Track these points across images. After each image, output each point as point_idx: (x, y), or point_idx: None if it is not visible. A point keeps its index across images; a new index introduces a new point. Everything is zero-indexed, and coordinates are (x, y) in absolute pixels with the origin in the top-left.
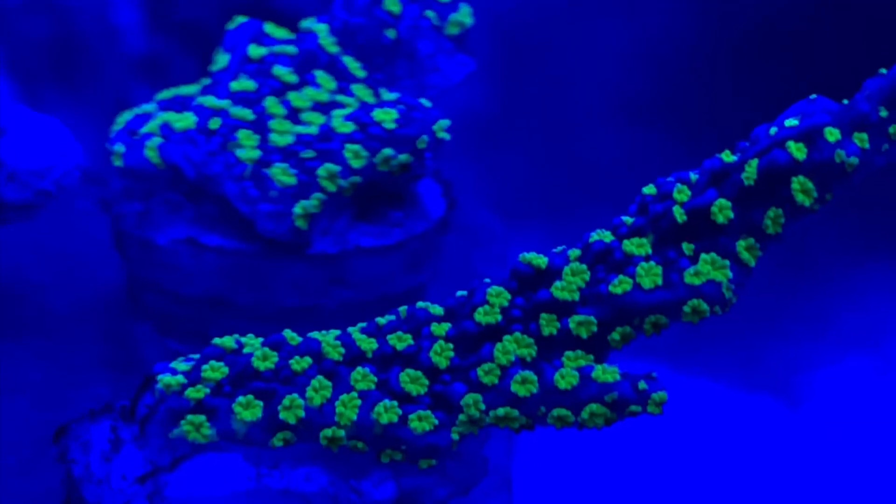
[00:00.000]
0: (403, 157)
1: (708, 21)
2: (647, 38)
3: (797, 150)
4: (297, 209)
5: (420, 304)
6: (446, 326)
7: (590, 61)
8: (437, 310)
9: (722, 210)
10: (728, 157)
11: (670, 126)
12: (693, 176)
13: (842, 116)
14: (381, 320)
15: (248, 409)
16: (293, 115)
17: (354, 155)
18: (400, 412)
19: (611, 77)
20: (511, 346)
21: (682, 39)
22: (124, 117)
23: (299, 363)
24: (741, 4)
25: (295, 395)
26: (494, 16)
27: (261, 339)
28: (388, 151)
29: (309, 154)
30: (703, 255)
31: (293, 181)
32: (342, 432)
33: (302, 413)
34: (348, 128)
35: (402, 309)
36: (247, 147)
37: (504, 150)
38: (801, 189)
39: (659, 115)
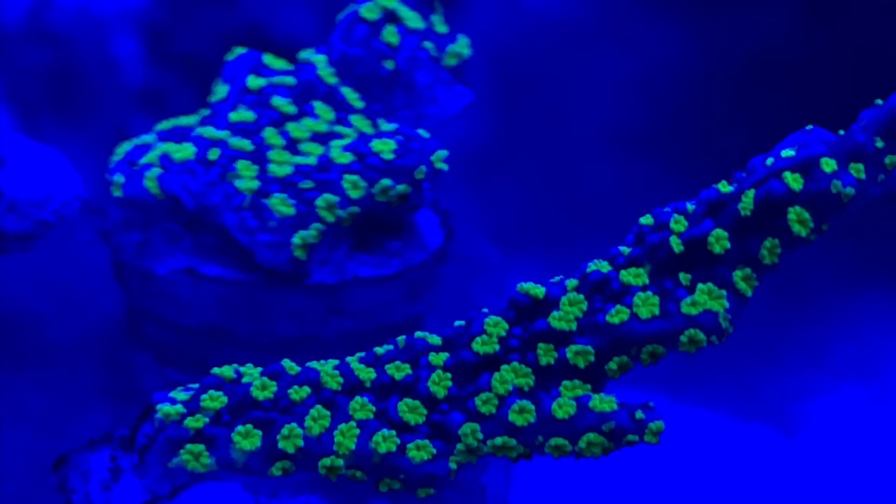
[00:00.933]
0: (401, 188)
1: (704, 52)
2: (644, 70)
3: (793, 181)
4: (296, 239)
5: (418, 333)
6: (444, 356)
7: (587, 93)
8: (435, 339)
9: (718, 240)
10: (725, 187)
11: (667, 157)
12: (690, 206)
13: (838, 147)
14: (380, 350)
15: (247, 439)
16: (292, 145)
17: (353, 185)
18: (398, 441)
19: (608, 108)
20: (509, 376)
21: (679, 71)
22: (123, 148)
23: (298, 393)
24: (737, 36)
25: (294, 425)
26: (492, 47)
27: (260, 369)
28: (386, 182)
29: (307, 184)
30: (700, 286)
31: (292, 211)
32: (341, 461)
33: (301, 442)
34: (346, 158)
35: (401, 339)
36: (245, 177)
37: (502, 181)
38: (798, 219)
39: (656, 145)
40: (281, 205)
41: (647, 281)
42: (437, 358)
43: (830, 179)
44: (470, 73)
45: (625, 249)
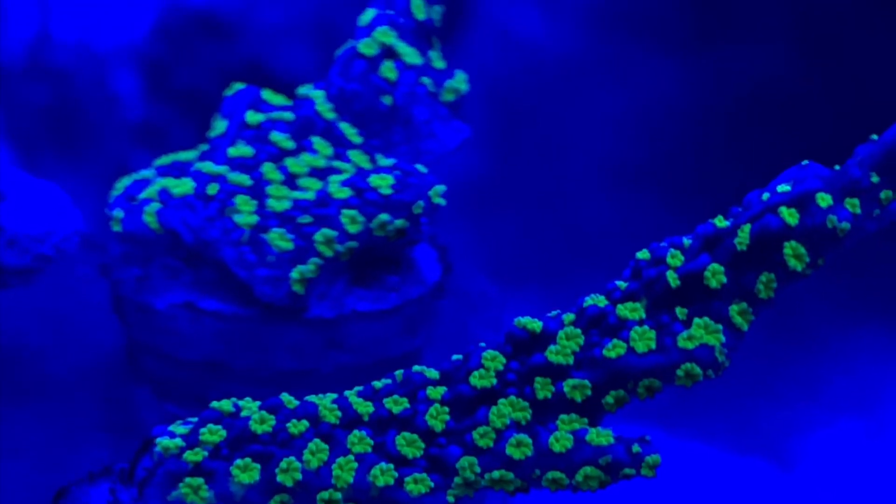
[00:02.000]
0: (399, 223)
1: (700, 88)
2: (641, 105)
3: (789, 216)
4: (295, 274)
5: (416, 368)
6: (442, 390)
7: (584, 128)
8: (432, 374)
9: (715, 275)
10: (721, 222)
11: (663, 191)
12: (686, 241)
13: (833, 182)
14: (378, 384)
15: (245, 472)
16: (290, 180)
17: (351, 220)
18: (396, 475)
19: (605, 143)
20: (506, 410)
21: (675, 106)
22: (123, 183)
23: (296, 426)
24: (733, 72)
25: (292, 458)
26: (490, 82)
27: (258, 403)
28: (384, 217)
29: (306, 219)
30: (697, 320)
31: (290, 246)
32: (339, 495)
33: (299, 476)
34: (345, 193)
35: (399, 373)
36: (244, 212)
37: (499, 216)
38: (794, 254)
39: (652, 180)
40: (279, 239)
41: (643, 315)
42: (435, 392)
43: (826, 214)
44: (467, 108)
45: (621, 284)
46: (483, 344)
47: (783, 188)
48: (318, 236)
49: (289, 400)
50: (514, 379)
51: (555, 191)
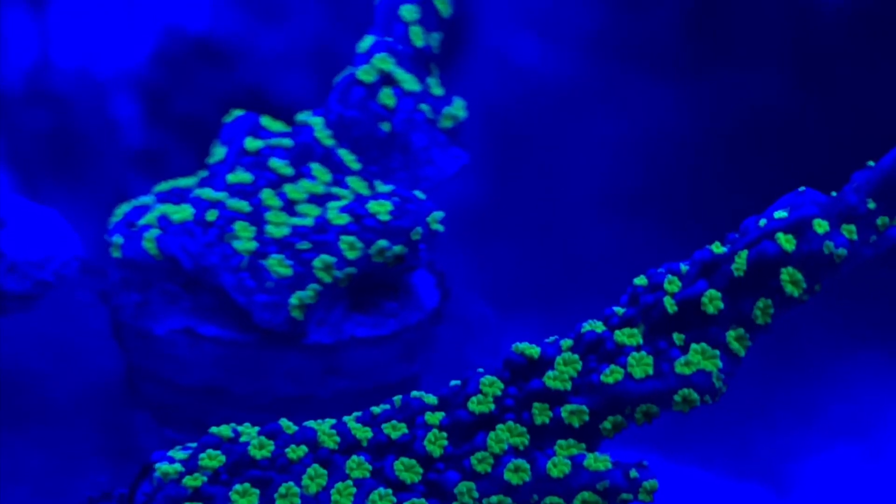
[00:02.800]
0: (398, 249)
1: (697, 114)
2: (638, 131)
3: (786, 242)
4: (293, 300)
5: (414, 393)
6: (440, 415)
7: (581, 154)
8: (430, 399)
9: (712, 301)
10: (718, 248)
11: (661, 217)
12: (683, 267)
13: (830, 208)
14: (376, 409)
15: (244, 497)
16: (289, 206)
17: (350, 246)
18: (394, 500)
19: (602, 169)
20: (504, 435)
21: (672, 132)
22: (122, 209)
23: (295, 451)
24: (729, 98)
25: (291, 484)
26: (488, 109)
27: (257, 428)
28: (382, 243)
29: (305, 245)
30: (694, 345)
31: (289, 272)
32: None
33: (298, 501)
34: (343, 219)
35: (397, 398)
36: (243, 238)
37: (497, 241)
38: (790, 280)
39: (649, 206)
40: (278, 265)
41: (641, 341)
42: (433, 417)
43: (823, 240)
44: (466, 134)
45: (619, 310)
46: (481, 370)
47: (780, 214)
48: (317, 262)
49: (287, 425)
50: (512, 404)
51: (552, 217)
